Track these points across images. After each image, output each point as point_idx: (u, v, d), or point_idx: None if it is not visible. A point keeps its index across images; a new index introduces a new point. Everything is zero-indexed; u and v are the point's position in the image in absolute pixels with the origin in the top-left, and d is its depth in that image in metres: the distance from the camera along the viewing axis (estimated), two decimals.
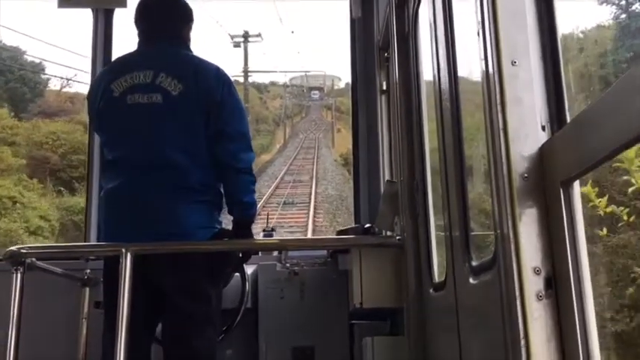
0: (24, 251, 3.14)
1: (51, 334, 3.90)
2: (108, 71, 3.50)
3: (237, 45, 46.16)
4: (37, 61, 36.96)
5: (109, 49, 4.59)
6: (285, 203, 25.20)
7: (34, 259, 3.18)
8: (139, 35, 3.49)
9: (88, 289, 3.87)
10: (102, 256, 3.57)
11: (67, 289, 3.90)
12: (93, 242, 4.23)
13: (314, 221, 22.25)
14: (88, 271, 3.89)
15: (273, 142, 55.81)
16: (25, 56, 36.39)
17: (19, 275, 3.06)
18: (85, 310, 3.83)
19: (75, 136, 28.03)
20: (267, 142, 53.03)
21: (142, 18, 3.50)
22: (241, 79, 46.13)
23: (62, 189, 25.98)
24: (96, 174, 4.29)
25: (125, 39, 3.78)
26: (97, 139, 4.21)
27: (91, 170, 4.38)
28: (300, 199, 26.43)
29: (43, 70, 37.70)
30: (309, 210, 23.82)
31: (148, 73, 3.25)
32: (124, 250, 2.97)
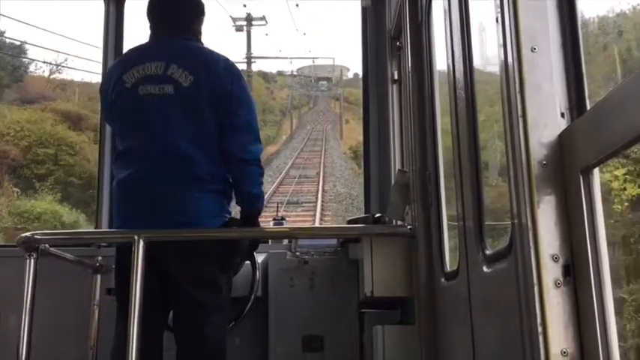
0: (38, 237, 3.16)
1: (63, 320, 3.93)
2: (120, 63, 3.54)
3: (239, 29, 43.13)
4: (18, 43, 32.78)
5: (120, 38, 4.60)
6: (289, 203, 23.39)
7: (47, 246, 3.20)
8: (151, 27, 3.52)
9: (99, 276, 3.89)
10: (114, 243, 3.59)
11: (79, 276, 3.92)
12: (105, 229, 4.25)
13: (321, 224, 19.87)
14: (100, 258, 3.91)
15: (280, 133, 54.35)
16: (4, 38, 31.90)
17: (32, 261, 3.08)
18: (97, 296, 3.85)
19: (43, 127, 24.23)
20: (273, 132, 51.26)
21: (154, 11, 3.54)
22: (244, 66, 42.87)
23: (19, 189, 22.04)
24: (107, 162, 4.31)
25: (136, 29, 3.79)
26: (108, 128, 4.22)
27: (102, 158, 4.39)
28: (305, 197, 24.88)
29: (25, 52, 33.76)
30: (315, 211, 22.09)
31: (159, 65, 3.28)
32: (136, 237, 2.99)
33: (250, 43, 43.95)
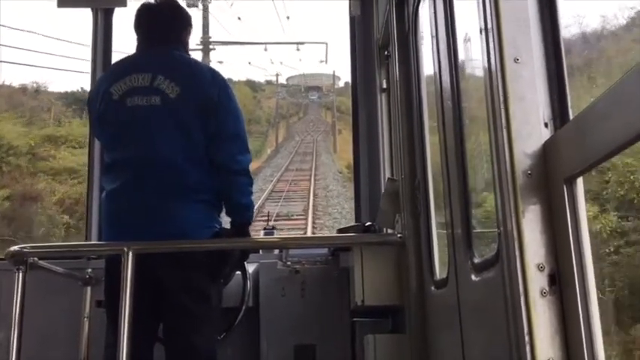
0: (27, 250, 3.15)
1: (53, 333, 3.91)
2: (107, 75, 3.55)
3: (192, 4, 29.90)
4: None
5: (108, 48, 4.59)
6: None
7: (36, 259, 3.18)
8: (138, 39, 3.54)
9: (89, 289, 3.87)
10: (104, 255, 3.57)
11: (68, 289, 3.90)
12: (94, 242, 4.23)
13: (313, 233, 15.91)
14: (90, 270, 3.89)
15: (265, 146, 48.45)
16: None
17: (21, 275, 3.06)
18: (87, 309, 3.83)
19: None
20: (258, 145, 42.98)
21: (141, 22, 3.55)
22: (199, 55, 31.60)
23: None
24: (96, 174, 4.29)
25: (125, 39, 3.79)
26: (97, 140, 4.21)
27: (91, 170, 4.38)
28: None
29: None
30: (306, 225, 17.34)
31: (146, 76, 3.29)
32: (125, 249, 2.99)
33: (208, 23, 33.77)
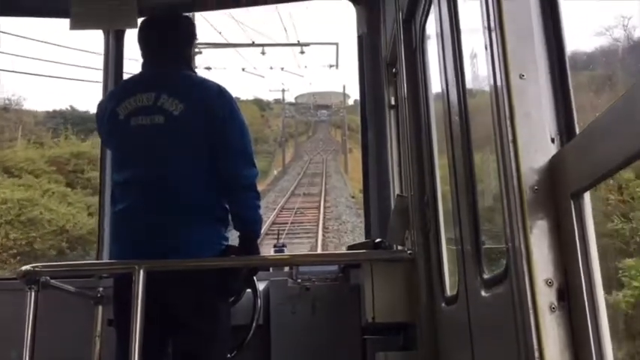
0: (38, 270, 3.17)
1: (65, 352, 3.90)
2: (113, 95, 3.60)
3: None
4: None
5: (120, 68, 4.65)
6: None
7: (47, 278, 3.20)
8: (143, 56, 3.58)
9: (101, 307, 3.88)
10: (114, 273, 3.59)
11: (80, 307, 3.91)
12: (106, 260, 4.25)
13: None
14: (101, 289, 3.91)
15: (272, 167, 46.67)
16: None
17: (33, 294, 3.08)
18: (98, 328, 3.84)
19: None
20: (264, 166, 41.06)
21: (144, 39, 3.59)
22: None
23: None
24: (108, 193, 4.32)
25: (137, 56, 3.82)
26: (108, 161, 4.26)
27: (103, 189, 4.41)
28: None
29: None
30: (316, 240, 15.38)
31: (150, 95, 3.33)
32: (136, 267, 3.00)
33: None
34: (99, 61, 4.67)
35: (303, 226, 20.65)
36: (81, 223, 21.70)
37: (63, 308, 3.82)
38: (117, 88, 3.77)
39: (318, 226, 20.22)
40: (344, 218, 22.36)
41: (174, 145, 3.29)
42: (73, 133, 33.74)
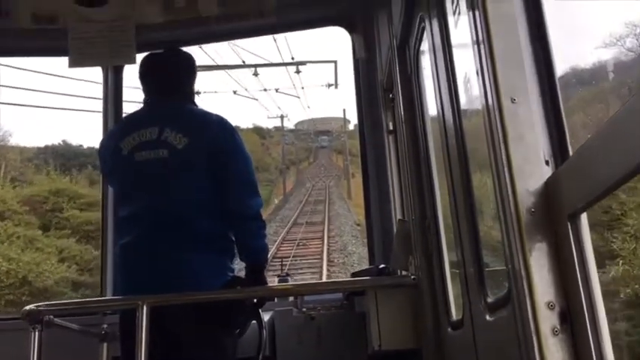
0: (42, 309, 3.15)
1: None
2: (116, 131, 3.62)
3: None
4: None
5: (119, 103, 4.69)
6: None
7: (51, 317, 3.19)
8: (144, 90, 3.61)
9: (105, 344, 3.85)
10: (118, 310, 3.57)
11: (85, 345, 3.88)
12: (109, 297, 4.23)
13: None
14: (106, 325, 3.88)
15: (272, 196, 44.57)
16: None
17: (37, 333, 3.06)
18: None
19: None
20: (265, 195, 36.17)
21: (146, 74, 3.63)
22: None
23: None
24: (110, 229, 4.33)
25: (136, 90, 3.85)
26: (110, 195, 4.27)
27: (105, 226, 4.41)
28: None
29: None
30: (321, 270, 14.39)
31: (153, 130, 3.35)
32: (140, 303, 2.99)
33: None
34: (97, 91, 4.70)
35: (306, 260, 19.35)
36: (48, 271, 19.97)
37: (67, 346, 3.78)
38: (119, 124, 3.80)
39: (322, 259, 19.00)
40: (350, 249, 21.18)
41: (179, 178, 3.31)
42: (54, 169, 32.07)
